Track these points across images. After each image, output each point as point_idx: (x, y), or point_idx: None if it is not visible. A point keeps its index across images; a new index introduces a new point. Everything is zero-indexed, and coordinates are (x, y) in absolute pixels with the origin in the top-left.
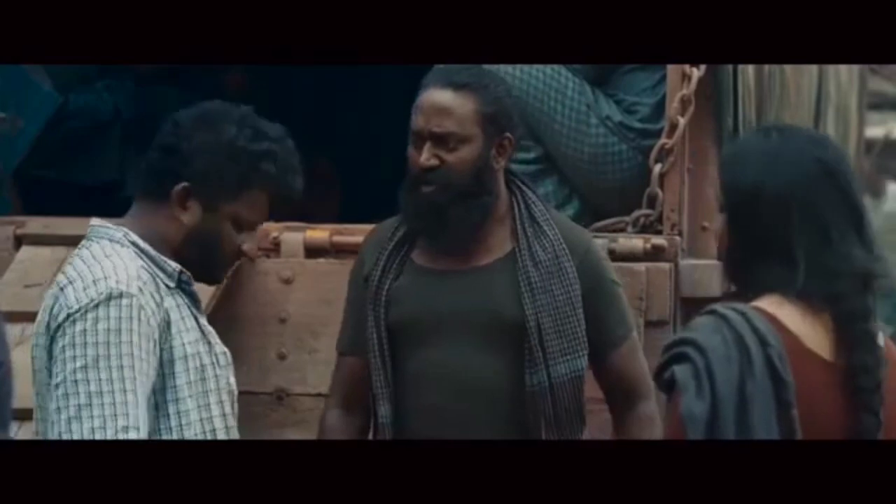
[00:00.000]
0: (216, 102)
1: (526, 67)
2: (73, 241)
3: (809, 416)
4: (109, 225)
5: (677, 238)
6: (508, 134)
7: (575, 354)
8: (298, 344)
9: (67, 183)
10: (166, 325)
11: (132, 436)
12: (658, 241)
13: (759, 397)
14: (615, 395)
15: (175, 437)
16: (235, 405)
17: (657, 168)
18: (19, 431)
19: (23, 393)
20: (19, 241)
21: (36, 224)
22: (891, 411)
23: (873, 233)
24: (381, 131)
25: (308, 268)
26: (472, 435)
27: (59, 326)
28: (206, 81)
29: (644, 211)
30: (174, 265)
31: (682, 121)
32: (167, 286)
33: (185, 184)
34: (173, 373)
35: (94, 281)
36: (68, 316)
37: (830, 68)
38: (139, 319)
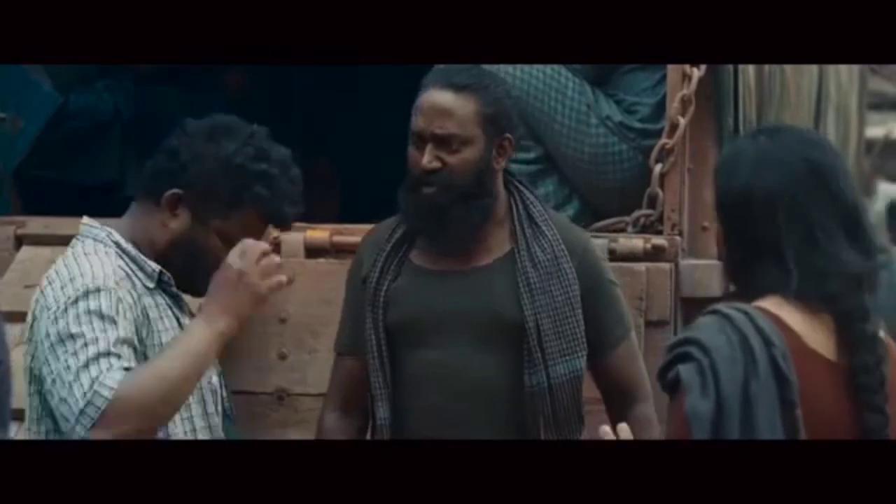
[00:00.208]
0: (231, 118)
1: (526, 67)
2: None
3: (813, 416)
4: (96, 224)
5: (677, 238)
6: (508, 135)
7: (574, 355)
8: (299, 344)
9: (67, 183)
10: (144, 321)
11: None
12: (658, 241)
13: (764, 397)
14: (612, 395)
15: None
16: (219, 404)
17: (657, 168)
18: (19, 431)
19: (22, 392)
20: (20, 241)
21: (36, 224)
22: (894, 408)
23: (871, 232)
24: (381, 131)
25: (308, 268)
26: (471, 435)
27: (41, 326)
28: (206, 81)
29: (644, 211)
30: (154, 266)
31: (682, 121)
32: (146, 286)
33: (176, 191)
34: None
35: (70, 279)
36: (49, 315)
37: (830, 68)
38: (118, 310)
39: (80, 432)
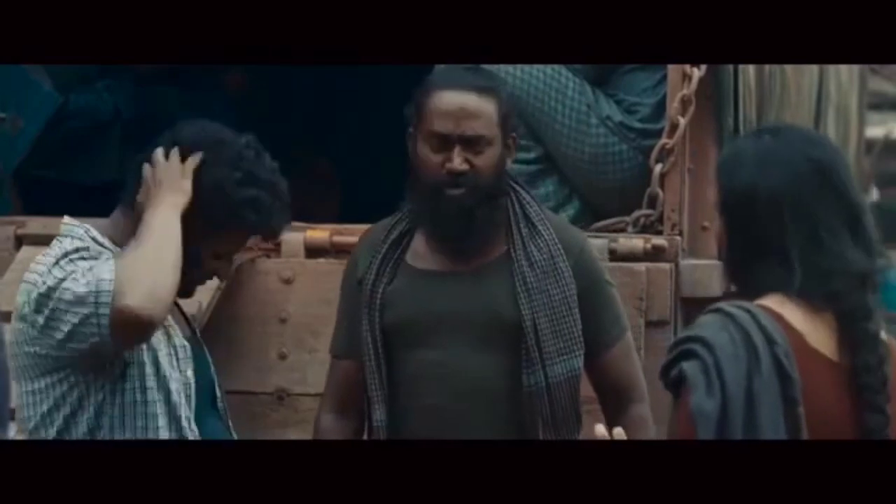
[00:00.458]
0: (221, 129)
1: (526, 67)
2: None
3: (814, 415)
4: (75, 223)
5: (678, 238)
6: (513, 133)
7: (571, 354)
8: (299, 344)
9: (67, 183)
10: None
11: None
12: (658, 241)
13: (766, 395)
14: (608, 396)
15: (118, 420)
16: (193, 397)
17: (658, 168)
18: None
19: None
20: (20, 241)
21: (36, 224)
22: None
23: (872, 232)
24: (381, 131)
25: (308, 268)
26: (469, 435)
27: (25, 319)
28: (206, 81)
29: (644, 211)
30: None
31: (682, 121)
32: None
33: None
34: None
35: (48, 270)
36: (32, 304)
37: (831, 68)
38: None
39: (103, 313)
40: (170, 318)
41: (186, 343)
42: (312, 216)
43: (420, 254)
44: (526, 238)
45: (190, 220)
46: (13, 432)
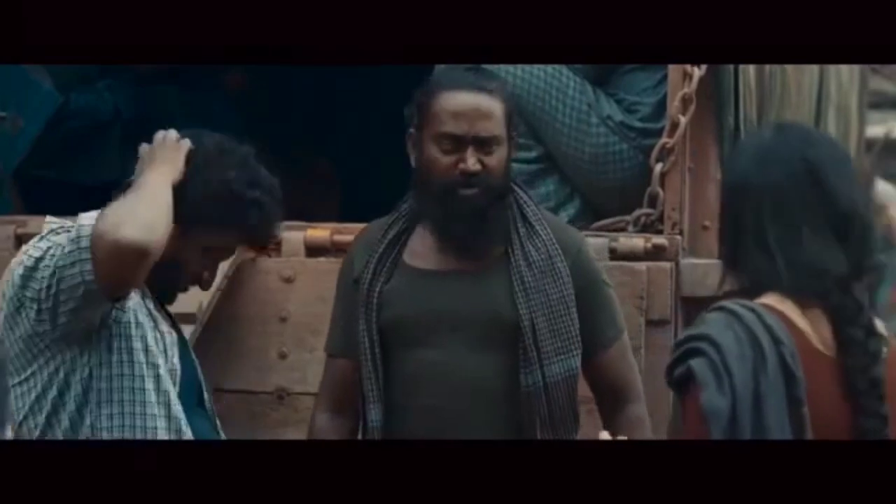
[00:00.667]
0: (221, 137)
1: (527, 67)
2: None
3: (818, 415)
4: (56, 221)
5: (678, 237)
6: (514, 132)
7: (569, 354)
8: (299, 343)
9: (67, 183)
10: None
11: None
12: (659, 240)
13: (773, 396)
14: (604, 396)
15: (105, 393)
16: (178, 385)
17: (658, 167)
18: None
19: None
20: (20, 241)
21: (36, 223)
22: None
23: (866, 233)
24: (381, 131)
25: (309, 267)
26: (468, 435)
27: (12, 303)
28: (206, 81)
29: (645, 210)
30: None
31: (683, 120)
32: None
33: None
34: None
35: (29, 249)
36: (17, 282)
37: (831, 67)
38: None
39: (84, 245)
40: (154, 310)
41: (173, 332)
42: (312, 216)
43: (418, 253)
44: (524, 238)
45: (190, 220)
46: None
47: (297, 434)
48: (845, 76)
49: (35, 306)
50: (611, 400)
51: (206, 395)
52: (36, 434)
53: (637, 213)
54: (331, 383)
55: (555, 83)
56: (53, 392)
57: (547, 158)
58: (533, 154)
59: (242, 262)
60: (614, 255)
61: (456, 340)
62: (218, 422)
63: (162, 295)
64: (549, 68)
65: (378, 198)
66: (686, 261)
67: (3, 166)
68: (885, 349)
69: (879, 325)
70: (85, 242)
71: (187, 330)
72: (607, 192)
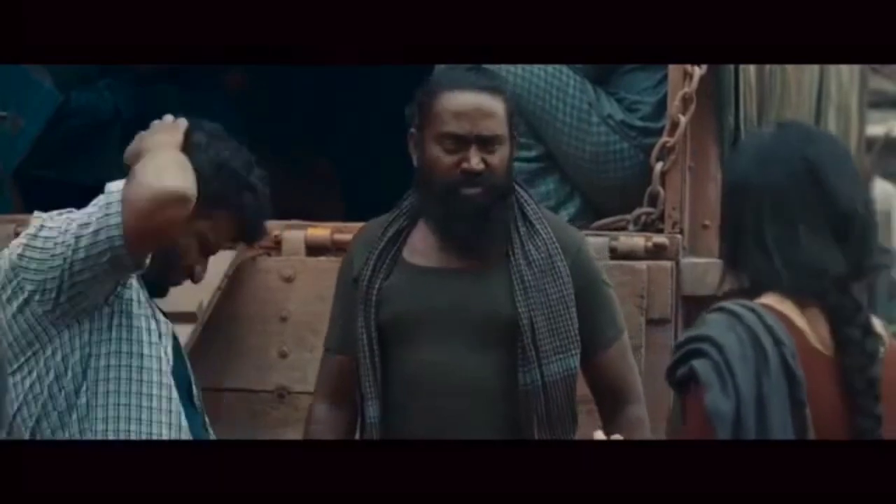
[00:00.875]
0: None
1: (528, 66)
2: None
3: (818, 415)
4: (44, 215)
5: (678, 236)
6: (516, 131)
7: (568, 353)
8: (299, 342)
9: (68, 182)
10: None
11: None
12: (659, 239)
13: (776, 397)
14: (604, 397)
15: (103, 382)
16: (169, 373)
17: (658, 166)
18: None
19: None
20: None
21: None
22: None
23: (866, 233)
24: (381, 131)
25: (309, 266)
26: (466, 433)
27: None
28: (206, 81)
29: (645, 209)
30: None
31: (683, 119)
32: None
33: None
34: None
35: (27, 245)
36: (13, 258)
37: (832, 67)
38: None
39: (114, 221)
40: (148, 300)
41: (168, 323)
42: (312, 216)
43: (418, 250)
44: (524, 237)
45: None
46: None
47: (298, 433)
48: (845, 75)
49: (38, 288)
50: (610, 401)
51: (195, 392)
52: (31, 423)
53: (637, 212)
54: (328, 375)
55: (555, 82)
56: (50, 378)
57: (547, 157)
58: (533, 153)
59: (243, 262)
60: (615, 254)
61: (455, 338)
62: (206, 419)
63: (153, 288)
64: (550, 67)
65: (378, 197)
66: (686, 260)
67: (3, 165)
68: (882, 349)
69: (877, 324)
70: (115, 207)
71: (187, 329)
72: (608, 191)
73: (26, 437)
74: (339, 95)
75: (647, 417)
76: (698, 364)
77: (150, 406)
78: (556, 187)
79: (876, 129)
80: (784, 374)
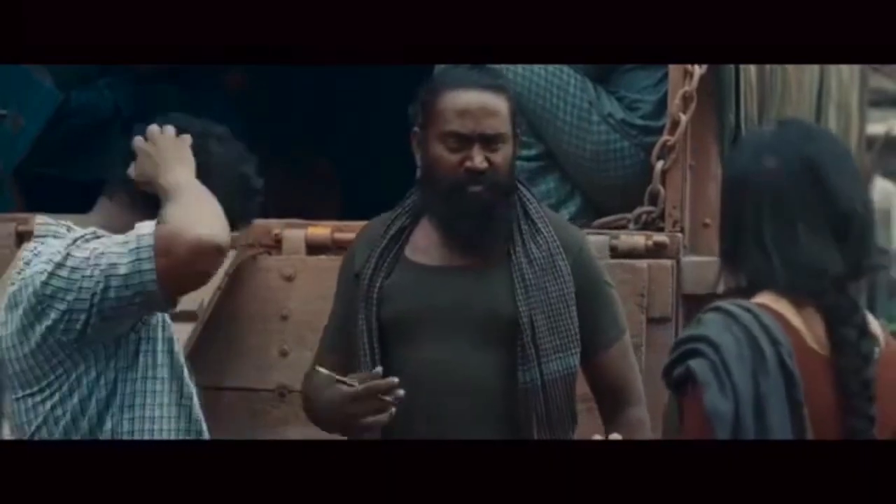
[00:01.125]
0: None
1: (528, 65)
2: None
3: (815, 415)
4: (52, 222)
5: (679, 235)
6: (519, 129)
7: (568, 352)
8: (300, 341)
9: (68, 180)
10: None
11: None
12: (660, 237)
13: (774, 397)
14: (605, 397)
15: (128, 408)
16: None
17: (659, 165)
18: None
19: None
20: (21, 238)
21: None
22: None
23: (866, 232)
24: (381, 131)
25: (310, 264)
26: (466, 432)
27: (25, 305)
28: (206, 81)
29: (646, 208)
30: None
31: (683, 118)
32: None
33: None
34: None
35: (57, 247)
36: (38, 290)
37: (832, 66)
38: None
39: (146, 267)
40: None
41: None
42: (313, 216)
43: (420, 248)
44: (526, 235)
45: None
46: (6, 432)
47: (299, 432)
48: (846, 74)
49: (62, 318)
50: (611, 401)
51: (193, 388)
52: None
53: (638, 210)
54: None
55: (556, 81)
56: (73, 401)
57: (548, 156)
58: (534, 152)
59: (243, 261)
60: (615, 252)
61: (457, 337)
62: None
63: None
64: (550, 66)
65: (378, 197)
66: (687, 258)
67: (4, 164)
68: (877, 350)
69: (873, 324)
70: (147, 252)
71: (188, 328)
72: (608, 190)
73: None
74: (339, 95)
75: (648, 419)
76: (695, 364)
77: (179, 428)
78: (557, 186)
79: (876, 128)
80: (781, 373)
